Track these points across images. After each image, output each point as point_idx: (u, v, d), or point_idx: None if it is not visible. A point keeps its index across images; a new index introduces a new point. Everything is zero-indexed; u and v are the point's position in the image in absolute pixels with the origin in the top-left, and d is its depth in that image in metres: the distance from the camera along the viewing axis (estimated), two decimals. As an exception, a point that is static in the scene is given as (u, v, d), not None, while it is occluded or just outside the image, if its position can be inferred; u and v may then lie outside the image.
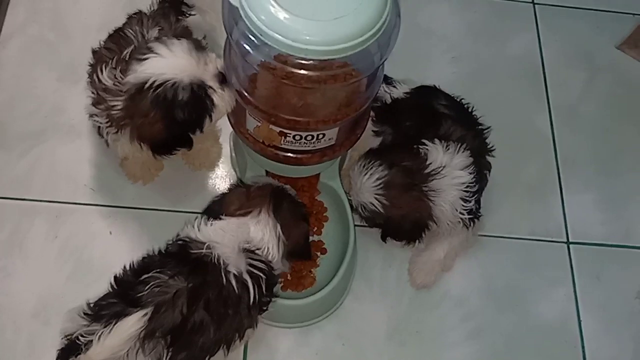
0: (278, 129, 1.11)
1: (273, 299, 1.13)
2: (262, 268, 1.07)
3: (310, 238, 1.27)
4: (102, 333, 0.95)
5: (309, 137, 1.12)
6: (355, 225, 1.33)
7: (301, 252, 1.18)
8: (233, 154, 1.45)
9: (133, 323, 0.96)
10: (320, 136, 1.12)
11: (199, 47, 1.11)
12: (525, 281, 1.43)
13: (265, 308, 1.12)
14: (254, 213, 1.10)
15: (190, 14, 1.38)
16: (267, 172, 1.31)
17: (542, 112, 1.65)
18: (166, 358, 0.99)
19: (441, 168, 1.23)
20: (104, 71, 1.18)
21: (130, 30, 1.26)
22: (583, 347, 1.38)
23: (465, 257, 1.42)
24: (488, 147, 1.37)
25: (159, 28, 1.27)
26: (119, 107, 1.13)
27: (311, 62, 0.96)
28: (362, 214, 1.29)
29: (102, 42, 1.31)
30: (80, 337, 0.97)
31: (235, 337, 1.08)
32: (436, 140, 1.26)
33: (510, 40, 1.74)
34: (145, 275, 1.01)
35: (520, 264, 1.45)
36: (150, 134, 1.13)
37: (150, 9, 1.35)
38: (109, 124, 1.18)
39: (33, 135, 1.45)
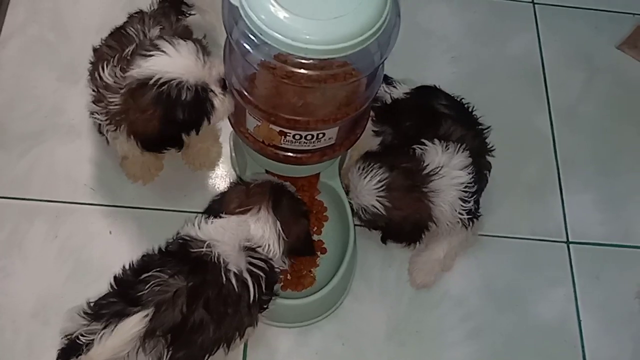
0: (278, 129, 1.11)
1: (273, 298, 1.13)
2: (262, 266, 1.07)
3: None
4: (103, 333, 0.95)
5: (309, 137, 1.12)
6: (355, 225, 1.33)
7: (302, 248, 1.18)
8: (233, 154, 1.45)
9: (134, 324, 0.95)
10: (320, 135, 1.12)
11: (204, 50, 1.12)
12: (525, 281, 1.43)
13: (265, 306, 1.12)
14: (253, 210, 1.10)
15: (190, 14, 1.38)
16: (266, 171, 1.31)
17: (541, 112, 1.65)
18: (166, 357, 0.99)
19: (439, 168, 1.23)
20: (105, 69, 1.18)
21: (132, 29, 1.26)
22: (583, 347, 1.38)
23: (465, 257, 1.43)
24: (488, 147, 1.37)
25: (160, 27, 1.27)
26: (117, 102, 1.14)
27: (311, 61, 0.96)
28: (362, 217, 1.28)
29: (103, 40, 1.31)
30: (80, 337, 0.96)
31: (236, 336, 1.07)
32: (435, 141, 1.26)
33: (510, 40, 1.75)
34: (145, 274, 1.01)
35: (520, 263, 1.45)
36: (143, 130, 1.13)
37: (151, 8, 1.35)
38: (108, 121, 1.18)
39: (33, 135, 1.45)
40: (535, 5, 1.81)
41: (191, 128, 1.14)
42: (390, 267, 1.41)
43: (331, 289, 1.27)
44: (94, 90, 1.22)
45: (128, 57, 1.17)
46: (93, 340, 0.95)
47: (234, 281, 1.03)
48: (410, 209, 1.25)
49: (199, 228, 1.08)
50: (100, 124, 1.22)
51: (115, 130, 1.18)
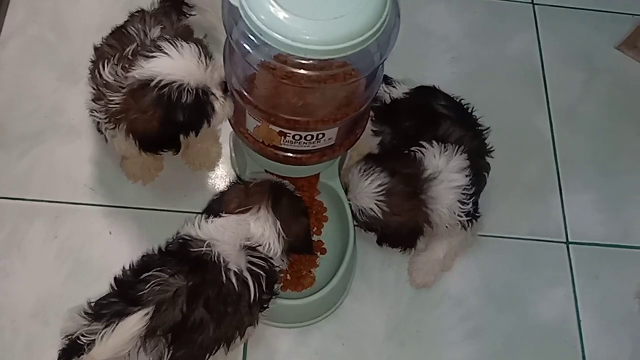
0: (278, 129, 1.11)
1: (273, 297, 1.13)
2: (263, 265, 1.07)
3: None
4: (104, 333, 0.95)
5: (309, 137, 1.12)
6: (354, 226, 1.33)
7: (302, 246, 1.18)
8: (233, 154, 1.45)
9: (135, 322, 0.95)
10: (320, 136, 1.12)
11: (207, 52, 1.12)
12: (525, 281, 1.43)
13: (266, 306, 1.12)
14: (253, 210, 1.10)
15: (190, 14, 1.39)
16: (266, 171, 1.31)
17: (541, 112, 1.65)
18: (167, 356, 1.00)
19: (438, 173, 1.23)
20: (106, 67, 1.18)
21: (133, 28, 1.26)
22: (582, 346, 1.38)
23: (464, 257, 1.43)
24: (487, 147, 1.37)
25: (161, 26, 1.27)
26: (117, 101, 1.14)
27: (311, 61, 0.96)
28: (359, 218, 1.29)
29: (104, 39, 1.31)
30: (81, 337, 0.96)
31: (236, 335, 1.08)
32: (434, 143, 1.26)
33: (509, 40, 1.75)
34: (146, 274, 1.01)
35: (519, 263, 1.45)
36: (143, 130, 1.13)
37: (152, 8, 1.35)
38: (107, 119, 1.18)
39: (33, 135, 1.45)
40: (535, 6, 1.81)
41: (190, 130, 1.15)
42: (389, 267, 1.41)
43: (331, 289, 1.27)
44: (93, 89, 1.23)
45: (128, 56, 1.17)
46: (94, 340, 0.95)
47: (234, 280, 1.04)
48: (408, 216, 1.25)
49: (199, 227, 1.08)
50: (99, 122, 1.22)
51: (114, 128, 1.18)
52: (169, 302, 0.99)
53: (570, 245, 1.49)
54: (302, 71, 0.97)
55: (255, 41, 0.97)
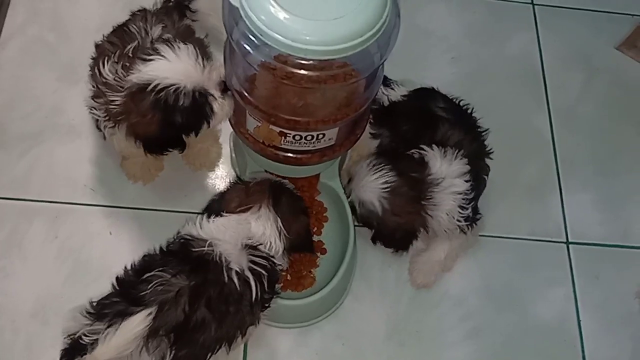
0: (278, 129, 1.11)
1: (275, 296, 1.13)
2: (264, 264, 1.08)
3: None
4: (107, 333, 0.95)
5: (309, 137, 1.12)
6: (355, 226, 1.33)
7: (303, 244, 1.18)
8: (233, 154, 1.45)
9: (138, 322, 0.95)
10: (320, 136, 1.12)
11: (205, 53, 1.12)
12: (525, 281, 1.43)
13: (267, 305, 1.12)
14: (254, 209, 1.11)
15: (194, 20, 1.38)
16: (266, 171, 1.31)
17: (541, 112, 1.65)
18: (169, 356, 1.00)
19: (442, 179, 1.23)
20: (106, 65, 1.18)
21: (134, 26, 1.26)
22: (582, 346, 1.38)
23: (464, 257, 1.43)
24: (486, 149, 1.36)
25: (163, 26, 1.27)
26: (117, 103, 1.14)
27: (311, 62, 0.96)
28: (357, 209, 1.28)
29: (105, 36, 1.31)
30: (83, 337, 0.97)
31: (238, 335, 1.08)
32: (434, 147, 1.26)
33: (509, 40, 1.75)
34: (148, 274, 1.01)
35: (519, 264, 1.45)
36: (144, 133, 1.14)
37: (154, 7, 1.35)
38: (106, 118, 1.18)
39: (32, 135, 1.45)
40: (535, 6, 1.81)
41: (190, 131, 1.15)
42: (389, 267, 1.41)
43: (331, 290, 1.27)
44: (93, 86, 1.23)
45: (129, 54, 1.17)
46: (96, 339, 0.95)
47: (235, 280, 1.04)
48: (407, 219, 1.25)
49: (200, 227, 1.08)
50: (97, 119, 1.22)
51: (114, 127, 1.18)
52: (171, 302, 0.99)
53: (570, 245, 1.49)
54: (302, 71, 0.97)
55: (256, 41, 0.98)
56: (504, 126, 1.47)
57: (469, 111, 1.39)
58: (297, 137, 1.12)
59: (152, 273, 1.01)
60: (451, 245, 1.35)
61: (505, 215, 1.49)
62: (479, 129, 1.37)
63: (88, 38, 1.36)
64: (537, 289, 1.43)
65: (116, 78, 1.16)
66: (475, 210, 1.31)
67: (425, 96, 1.40)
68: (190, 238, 1.07)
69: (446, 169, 1.24)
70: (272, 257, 1.09)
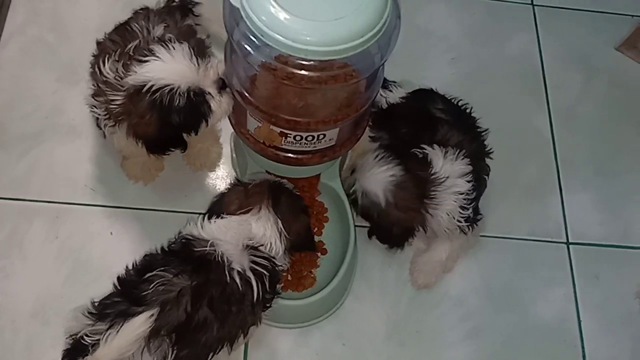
0: (278, 130, 1.11)
1: (276, 296, 1.13)
2: (265, 265, 1.08)
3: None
4: (109, 334, 0.95)
5: (310, 138, 1.12)
6: (355, 226, 1.33)
7: (304, 244, 1.18)
8: (234, 155, 1.45)
9: (140, 323, 0.95)
10: (321, 137, 1.12)
11: (202, 51, 1.12)
12: (525, 281, 1.43)
13: (268, 305, 1.12)
14: (254, 210, 1.11)
15: (197, 24, 1.38)
16: (267, 172, 1.31)
17: (541, 112, 1.66)
18: (171, 356, 0.99)
19: (445, 179, 1.23)
20: (106, 63, 1.18)
21: (136, 25, 1.26)
22: (582, 346, 1.38)
23: (464, 257, 1.43)
24: (486, 150, 1.37)
25: (165, 25, 1.27)
26: (117, 103, 1.14)
27: (311, 62, 0.96)
28: (358, 199, 1.28)
29: (107, 34, 1.31)
30: (85, 337, 0.96)
31: (239, 335, 1.08)
32: (436, 147, 1.26)
33: (509, 41, 1.75)
34: (149, 274, 1.01)
35: (519, 264, 1.45)
36: (144, 133, 1.14)
37: (157, 6, 1.35)
38: (107, 116, 1.18)
39: (32, 135, 1.45)
40: (535, 7, 1.81)
41: (189, 130, 1.15)
42: (390, 267, 1.41)
43: (331, 290, 1.27)
44: (93, 85, 1.23)
45: (130, 53, 1.17)
46: (98, 340, 0.95)
47: (237, 280, 1.04)
48: (408, 215, 1.25)
49: (202, 227, 1.08)
50: (98, 118, 1.22)
51: (114, 126, 1.18)
52: (173, 302, 0.99)
53: (570, 246, 1.49)
54: (302, 72, 0.97)
55: (256, 42, 0.98)
56: (504, 126, 1.47)
57: (468, 111, 1.39)
58: (298, 138, 1.12)
59: (153, 273, 1.01)
60: (452, 245, 1.35)
61: (505, 215, 1.49)
62: (478, 129, 1.37)
63: (88, 38, 1.36)
64: (537, 289, 1.43)
65: (117, 77, 1.16)
66: (476, 211, 1.31)
67: (423, 98, 1.40)
68: (191, 238, 1.07)
69: (449, 168, 1.24)
70: (273, 257, 1.09)
